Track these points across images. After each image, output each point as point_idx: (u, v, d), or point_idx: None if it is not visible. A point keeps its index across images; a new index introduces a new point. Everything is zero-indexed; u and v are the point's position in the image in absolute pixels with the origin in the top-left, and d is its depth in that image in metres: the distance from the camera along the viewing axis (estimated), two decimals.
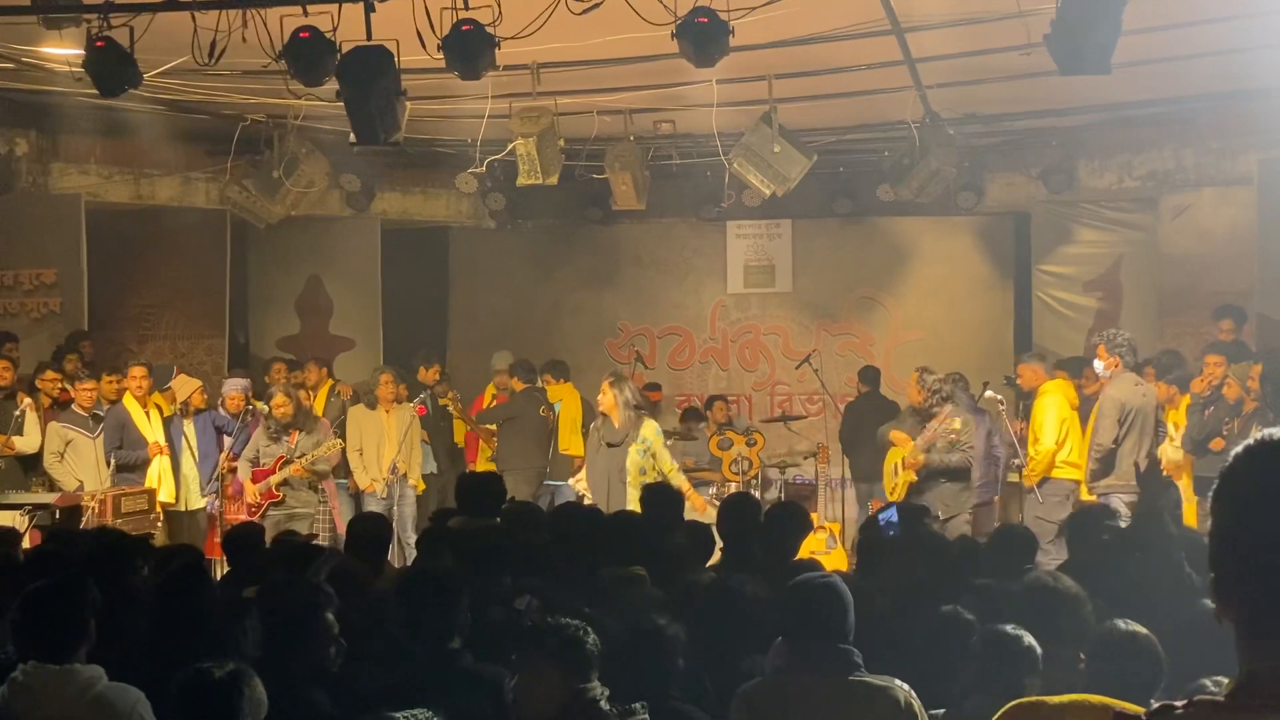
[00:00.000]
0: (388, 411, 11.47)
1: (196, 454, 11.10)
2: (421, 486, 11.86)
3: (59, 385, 10.79)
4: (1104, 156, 13.10)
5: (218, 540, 9.69)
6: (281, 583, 4.83)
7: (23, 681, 4.14)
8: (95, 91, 8.39)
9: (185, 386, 11.23)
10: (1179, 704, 1.84)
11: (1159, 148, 12.68)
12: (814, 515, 10.66)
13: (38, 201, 12.23)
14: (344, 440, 11.18)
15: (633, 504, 8.65)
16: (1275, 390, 9.14)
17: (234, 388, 11.39)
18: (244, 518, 10.07)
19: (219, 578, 7.64)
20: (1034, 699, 2.40)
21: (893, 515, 6.91)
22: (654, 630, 4.43)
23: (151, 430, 10.68)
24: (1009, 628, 4.24)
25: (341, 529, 9.96)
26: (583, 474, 10.40)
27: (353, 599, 5.01)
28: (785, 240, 14.77)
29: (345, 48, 7.73)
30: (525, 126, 10.39)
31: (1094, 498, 9.63)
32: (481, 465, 12.33)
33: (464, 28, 7.59)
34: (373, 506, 10.97)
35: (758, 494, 11.42)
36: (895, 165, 12.25)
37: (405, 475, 11.45)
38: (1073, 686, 3.13)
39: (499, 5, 7.51)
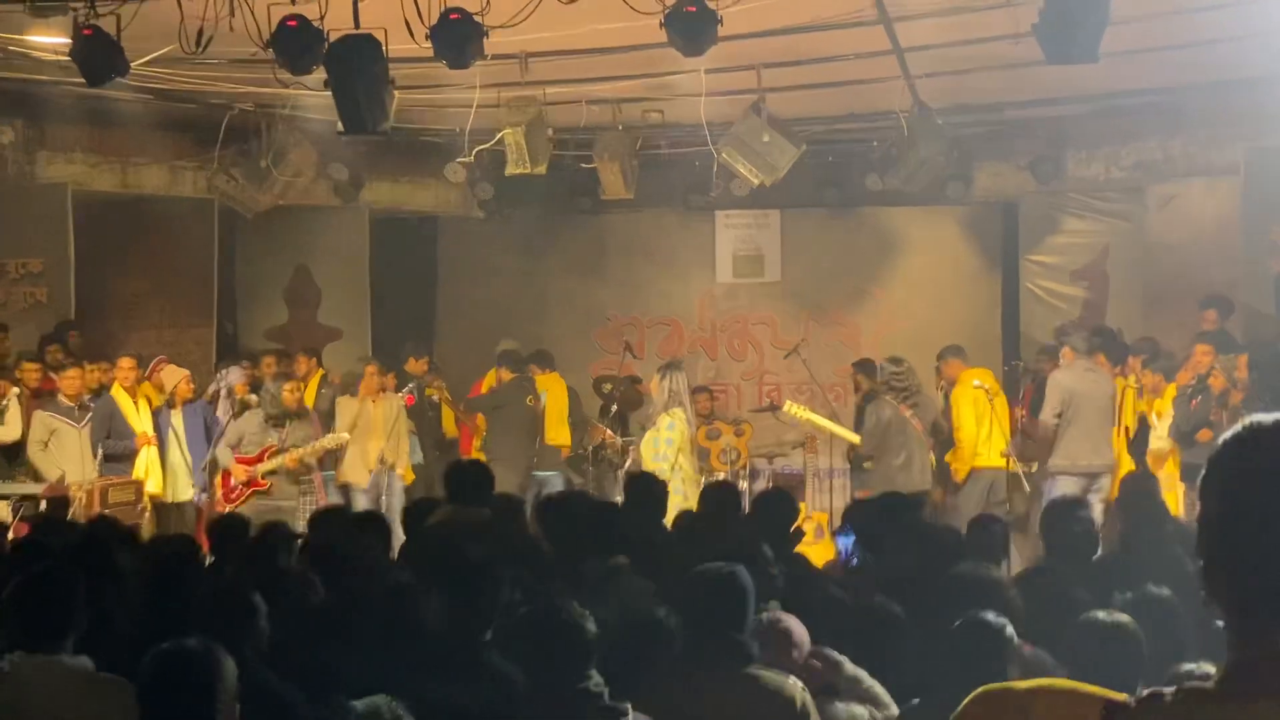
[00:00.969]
0: (374, 402, 11.46)
1: (185, 445, 11.07)
2: (410, 477, 11.85)
3: (38, 375, 10.74)
4: (1092, 146, 13.12)
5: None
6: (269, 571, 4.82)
7: (9, 671, 4.13)
8: (82, 80, 8.38)
9: (172, 376, 11.19)
10: (1168, 691, 1.84)
11: (1146, 138, 12.69)
12: (802, 505, 10.69)
13: (24, 190, 12.17)
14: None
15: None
16: (1264, 380, 9.18)
17: (239, 376, 11.41)
18: (221, 503, 10.05)
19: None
20: (1003, 685, 2.39)
21: (850, 543, 6.69)
22: (653, 621, 4.41)
23: (140, 421, 10.64)
24: (990, 615, 4.23)
25: None
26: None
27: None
28: (774, 230, 14.77)
29: (333, 36, 7.71)
30: (514, 116, 10.39)
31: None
32: (474, 456, 12.30)
33: (452, 16, 7.57)
34: (360, 498, 10.96)
35: (745, 484, 11.42)
36: (884, 155, 12.27)
37: (393, 466, 11.44)
38: None
39: None
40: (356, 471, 11.30)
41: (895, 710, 4.39)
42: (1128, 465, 10.10)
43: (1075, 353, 10.25)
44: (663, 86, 10.78)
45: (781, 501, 6.98)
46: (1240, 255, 11.38)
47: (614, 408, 12.31)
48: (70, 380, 10.44)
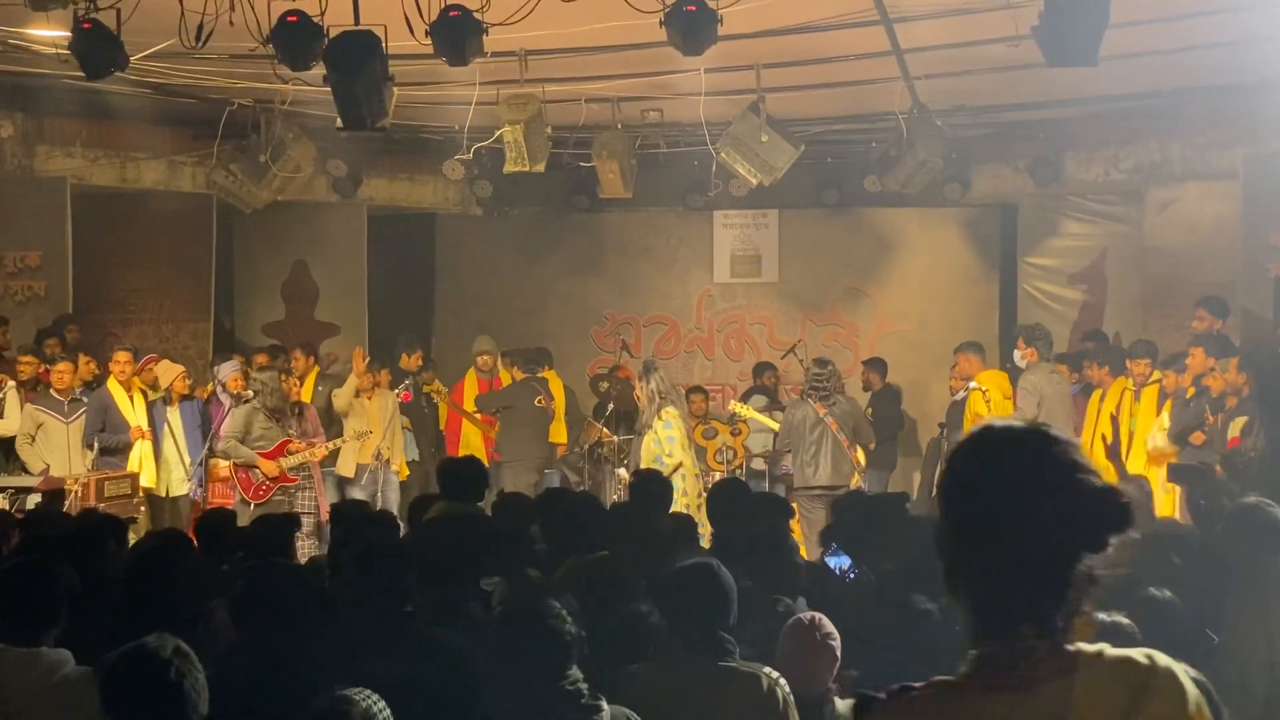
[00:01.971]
0: (370, 398, 11.45)
1: (182, 441, 11.06)
2: (405, 473, 11.85)
3: (35, 367, 10.74)
4: (1090, 149, 13.13)
5: None
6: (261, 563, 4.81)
7: None
8: (81, 74, 8.37)
9: (168, 373, 11.19)
10: (918, 685, 1.94)
11: (1145, 141, 12.71)
12: (795, 505, 10.71)
13: (23, 184, 12.18)
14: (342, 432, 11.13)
15: None
16: (1259, 384, 9.17)
17: (233, 369, 11.37)
18: (251, 499, 9.93)
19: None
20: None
21: (844, 561, 6.59)
22: (638, 617, 4.44)
23: (134, 415, 10.64)
24: None
25: (325, 514, 9.96)
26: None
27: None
28: (772, 230, 14.78)
29: (333, 32, 7.71)
30: (513, 113, 10.37)
31: None
32: (464, 454, 12.26)
33: (452, 13, 7.58)
34: (356, 493, 10.95)
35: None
36: (882, 156, 12.26)
37: (389, 461, 11.43)
38: None
39: None
40: (347, 465, 11.27)
41: None
42: (1137, 465, 10.03)
43: (1039, 356, 10.46)
44: (662, 85, 10.79)
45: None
46: (1239, 259, 11.39)
47: (610, 406, 12.30)
48: (61, 374, 10.42)
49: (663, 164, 13.40)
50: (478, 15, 7.60)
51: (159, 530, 8.26)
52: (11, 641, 4.15)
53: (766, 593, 5.26)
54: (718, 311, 15.02)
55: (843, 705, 4.36)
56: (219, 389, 11.51)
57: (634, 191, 12.58)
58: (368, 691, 3.44)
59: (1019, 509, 1.87)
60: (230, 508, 8.78)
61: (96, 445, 10.30)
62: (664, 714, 4.13)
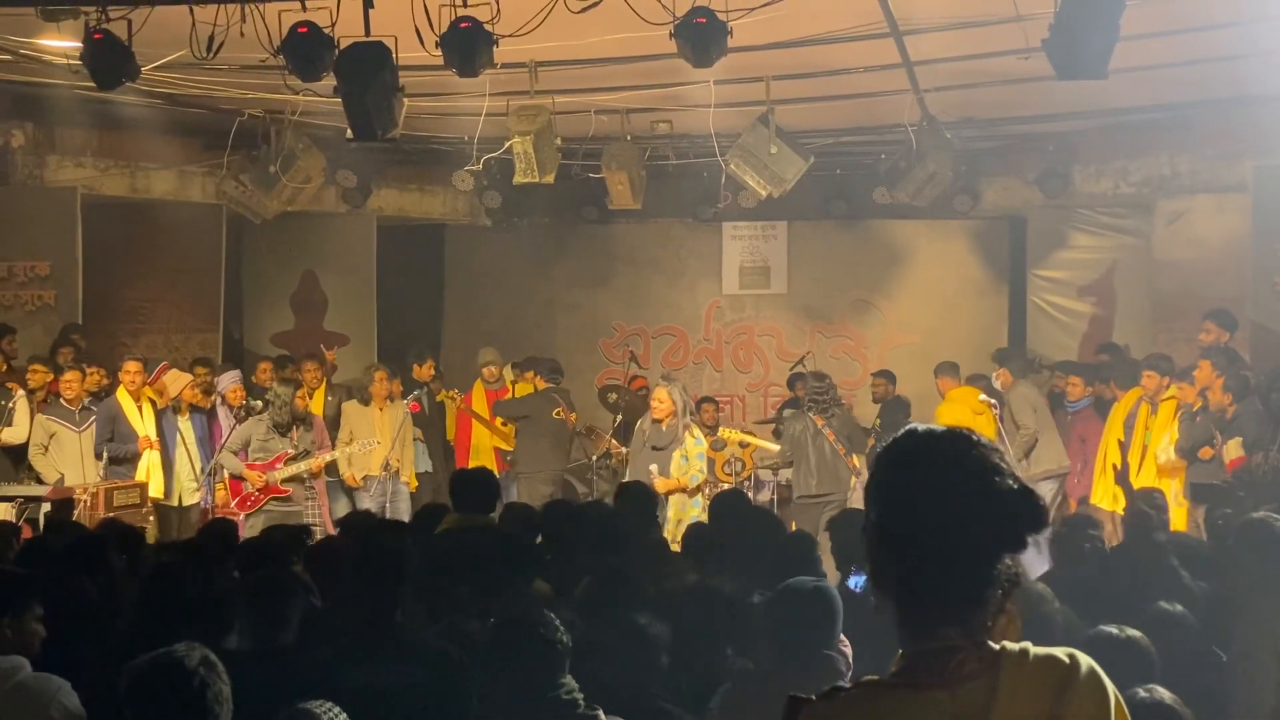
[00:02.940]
0: (381, 409, 11.46)
1: (194, 450, 11.07)
2: (415, 484, 11.83)
3: (44, 377, 10.75)
4: (1100, 162, 13.11)
5: None
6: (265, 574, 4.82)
7: None
8: (92, 84, 8.39)
9: (177, 382, 11.20)
10: (847, 684, 2.01)
11: (1155, 154, 12.69)
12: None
13: (33, 194, 12.21)
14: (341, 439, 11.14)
15: (673, 508, 9.29)
16: (1266, 398, 9.15)
17: (233, 380, 11.38)
18: (239, 509, 10.03)
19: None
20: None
21: (862, 581, 6.55)
22: (637, 630, 4.41)
23: (143, 425, 10.64)
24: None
25: (330, 525, 9.97)
26: None
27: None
28: (781, 242, 14.78)
29: (343, 43, 7.73)
30: (522, 124, 10.37)
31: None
32: (474, 464, 12.25)
33: (462, 25, 7.59)
34: (365, 504, 10.95)
35: (750, 495, 11.42)
36: (892, 168, 12.25)
37: (398, 473, 11.43)
38: None
39: (497, 3, 7.51)
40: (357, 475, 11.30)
41: None
42: (1149, 478, 10.00)
43: (1013, 376, 11.31)
44: (672, 97, 10.79)
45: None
46: (1249, 272, 11.36)
47: (619, 417, 12.28)
48: (70, 384, 10.44)
49: (672, 175, 13.41)
50: (488, 27, 7.61)
51: (170, 541, 8.27)
52: None
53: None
54: (726, 323, 15.01)
55: None
56: (218, 400, 11.51)
57: (643, 203, 12.57)
58: (329, 704, 3.46)
59: (940, 510, 1.91)
60: (233, 518, 8.86)
61: (106, 455, 10.31)
62: None
